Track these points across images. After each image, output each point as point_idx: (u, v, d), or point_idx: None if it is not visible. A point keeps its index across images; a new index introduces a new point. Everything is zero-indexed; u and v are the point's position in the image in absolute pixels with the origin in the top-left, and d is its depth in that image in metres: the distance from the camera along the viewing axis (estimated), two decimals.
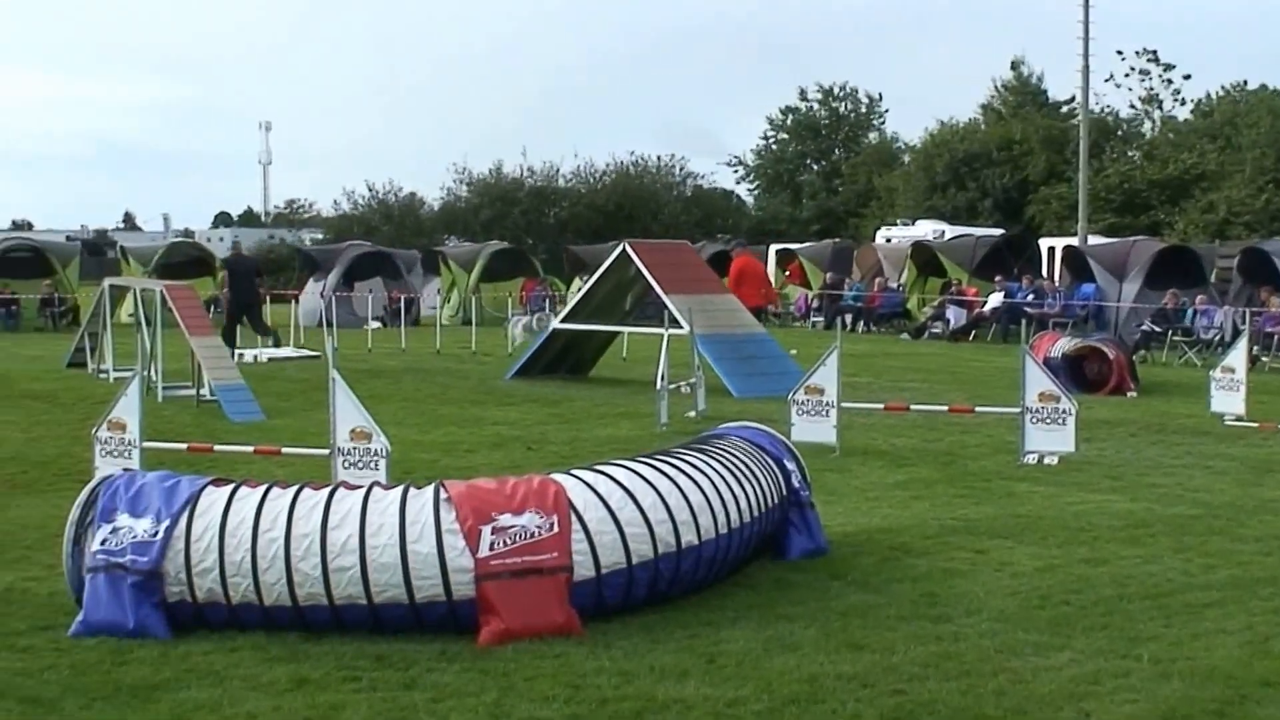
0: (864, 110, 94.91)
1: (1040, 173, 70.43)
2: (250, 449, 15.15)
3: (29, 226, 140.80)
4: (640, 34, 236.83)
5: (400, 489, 9.37)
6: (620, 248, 27.07)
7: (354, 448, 13.15)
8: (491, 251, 53.53)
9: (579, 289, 35.38)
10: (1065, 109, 77.68)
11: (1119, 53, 75.87)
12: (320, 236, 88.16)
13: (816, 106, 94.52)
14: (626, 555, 9.34)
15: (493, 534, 9.05)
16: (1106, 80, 74.83)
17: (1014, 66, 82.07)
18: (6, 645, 8.91)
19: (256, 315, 34.71)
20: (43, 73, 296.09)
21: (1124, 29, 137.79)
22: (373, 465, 13.06)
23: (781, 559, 11.26)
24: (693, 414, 20.72)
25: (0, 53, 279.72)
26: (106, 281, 28.62)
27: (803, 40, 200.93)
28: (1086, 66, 56.82)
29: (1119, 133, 75.25)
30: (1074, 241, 49.78)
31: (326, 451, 13.37)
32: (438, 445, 18.03)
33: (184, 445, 14.92)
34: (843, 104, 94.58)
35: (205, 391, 22.46)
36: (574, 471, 9.87)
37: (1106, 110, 75.77)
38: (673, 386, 20.65)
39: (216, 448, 15.17)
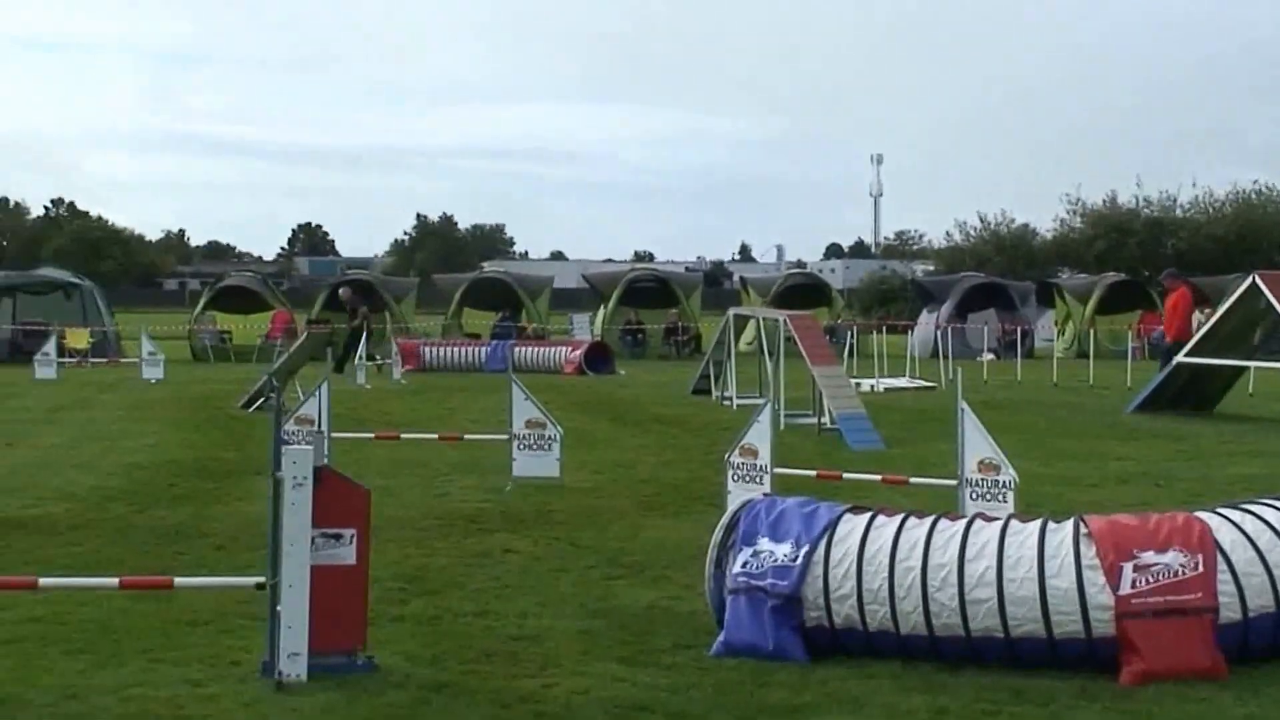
0: None
1: None
2: (877, 478, 15.22)
3: (650, 258, 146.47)
4: (1260, 59, 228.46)
5: (1038, 522, 9.22)
6: (1249, 279, 26.07)
7: (981, 479, 13.03)
8: (1108, 283, 52.50)
9: (1201, 322, 34.31)
10: None
11: None
12: (931, 268, 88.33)
13: None
14: (1276, 598, 8.92)
15: (1134, 571, 8.80)
16: None
17: None
18: (652, 661, 9.21)
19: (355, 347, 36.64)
20: (665, 109, 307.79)
21: None
22: (1000, 498, 12.91)
23: None
24: None
25: (628, 91, 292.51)
26: (731, 311, 29.39)
27: None
28: None
29: None
30: None
31: (953, 482, 13.30)
32: (1060, 479, 17.73)
33: (813, 472, 15.12)
34: None
35: (826, 420, 22.76)
36: (1219, 510, 9.50)
37: None
38: None
39: (845, 475, 15.31)
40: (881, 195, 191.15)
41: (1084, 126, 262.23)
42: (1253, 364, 27.43)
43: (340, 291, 43.75)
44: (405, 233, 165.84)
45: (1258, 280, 25.61)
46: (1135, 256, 77.04)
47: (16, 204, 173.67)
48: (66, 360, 40.84)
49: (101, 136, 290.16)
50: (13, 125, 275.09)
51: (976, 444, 13.02)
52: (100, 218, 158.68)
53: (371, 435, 19.94)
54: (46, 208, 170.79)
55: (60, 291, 48.00)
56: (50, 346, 38.57)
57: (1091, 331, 45.35)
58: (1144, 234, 79.41)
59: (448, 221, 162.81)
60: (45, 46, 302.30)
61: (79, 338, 44.56)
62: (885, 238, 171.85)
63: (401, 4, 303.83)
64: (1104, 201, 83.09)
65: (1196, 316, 40.69)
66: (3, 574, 11.52)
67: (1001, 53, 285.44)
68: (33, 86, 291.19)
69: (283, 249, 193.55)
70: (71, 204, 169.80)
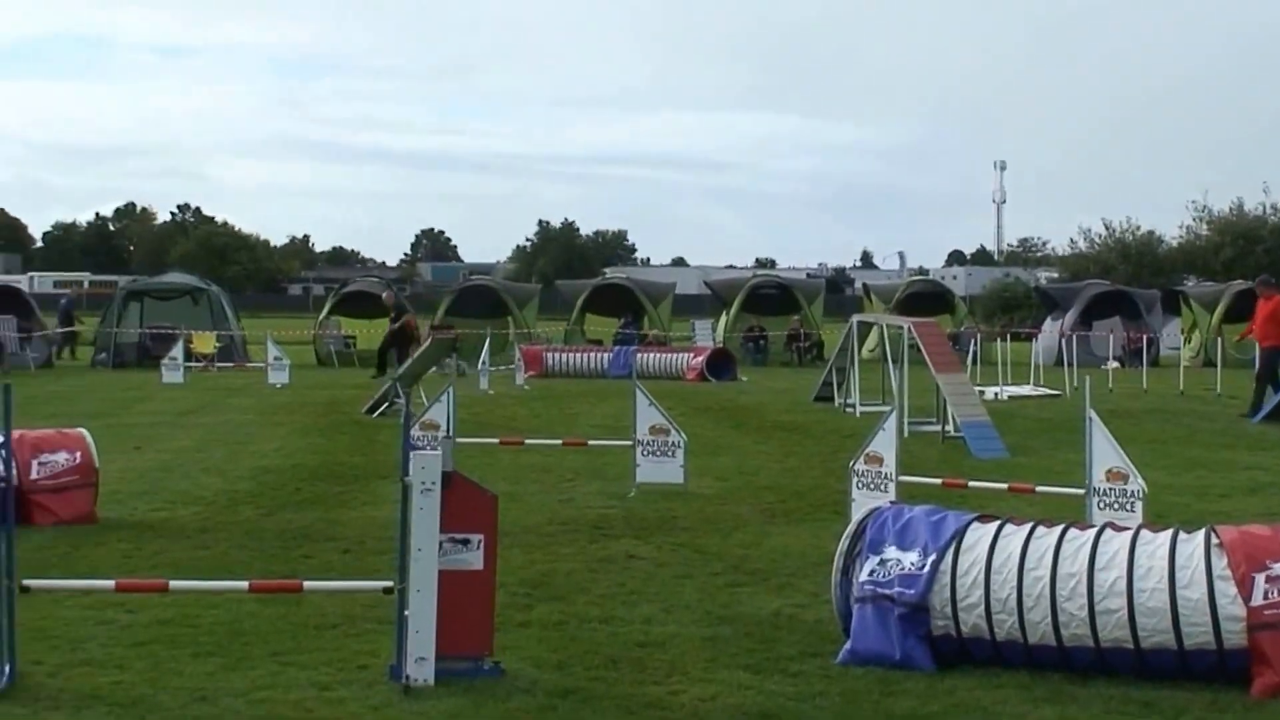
0: None
1: None
2: (1003, 486, 15.12)
3: (772, 264, 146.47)
4: None
5: (1169, 532, 9.11)
6: None
7: (1109, 488, 12.93)
8: (1235, 291, 51.81)
9: None
10: None
11: None
12: (1055, 275, 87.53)
13: None
14: None
15: (1267, 582, 8.66)
16: None
17: None
18: (779, 669, 9.21)
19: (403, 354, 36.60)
20: (785, 116, 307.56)
21: None
22: (1128, 507, 12.80)
23: None
24: None
25: (750, 98, 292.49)
26: (855, 318, 29.26)
27: None
28: None
29: None
30: None
31: (1080, 491, 13.20)
32: (1189, 489, 17.52)
33: (938, 480, 15.04)
34: None
35: (950, 427, 22.63)
36: None
37: None
38: None
39: (970, 483, 15.23)
40: (1004, 202, 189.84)
41: (1210, 132, 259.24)
42: None
43: (384, 295, 43.96)
44: (527, 239, 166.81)
45: None
46: (1263, 264, 75.80)
47: (144, 209, 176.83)
48: (193, 364, 41.31)
49: (229, 142, 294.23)
50: (141, 131, 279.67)
51: (1105, 453, 12.93)
52: (226, 223, 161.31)
53: (496, 440, 20.04)
54: (173, 213, 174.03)
55: (187, 296, 48.54)
56: (177, 351, 39.01)
57: (1218, 340, 44.78)
58: (1271, 241, 78.16)
59: (569, 228, 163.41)
60: (174, 52, 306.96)
61: (205, 342, 45.06)
62: (1008, 244, 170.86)
63: (529, 13, 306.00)
64: (1230, 208, 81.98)
65: None
66: (133, 577, 11.69)
67: (1126, 59, 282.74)
68: (161, 92, 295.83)
69: (406, 255, 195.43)
70: (197, 209, 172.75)
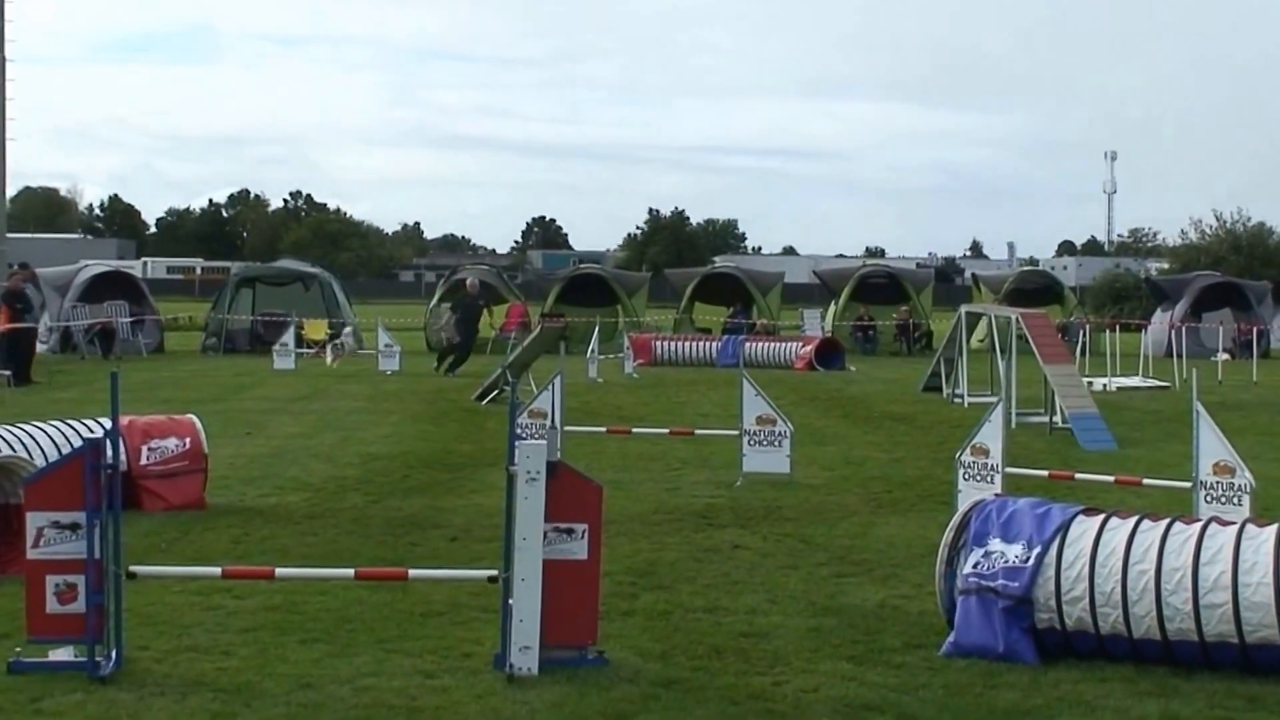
0: None
1: None
2: (1110, 479, 15.00)
3: (881, 253, 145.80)
4: None
5: (1275, 527, 9.02)
6: None
7: (1216, 482, 12.79)
8: None
9: None
10: None
11: None
12: (1165, 266, 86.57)
13: None
14: None
15: None
16: None
17: None
18: (882, 661, 9.22)
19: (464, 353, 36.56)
20: (895, 105, 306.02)
21: None
22: (1235, 501, 12.66)
23: None
24: None
25: (860, 88, 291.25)
26: (963, 308, 29.11)
27: None
28: None
29: None
30: None
31: (1187, 484, 13.08)
32: None
33: (1045, 472, 14.95)
34: None
35: (1058, 419, 22.47)
36: None
37: None
38: None
39: (1077, 475, 15.12)
40: (1115, 192, 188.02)
41: None
42: None
43: (468, 283, 43.89)
44: (637, 227, 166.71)
45: None
46: None
47: (257, 196, 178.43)
48: (305, 351, 41.53)
49: (341, 130, 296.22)
50: (255, 119, 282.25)
51: (1212, 446, 12.78)
52: (338, 210, 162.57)
53: (604, 429, 20.10)
54: (286, 200, 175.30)
55: (299, 282, 48.76)
56: (288, 337, 39.26)
57: None
58: None
59: (679, 216, 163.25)
60: (288, 41, 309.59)
61: (317, 329, 45.29)
62: (1119, 235, 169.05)
63: (642, 3, 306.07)
64: None
65: None
66: (241, 563, 11.85)
67: (1237, 49, 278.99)
68: (275, 81, 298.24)
69: (516, 242, 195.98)
70: (309, 196, 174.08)
